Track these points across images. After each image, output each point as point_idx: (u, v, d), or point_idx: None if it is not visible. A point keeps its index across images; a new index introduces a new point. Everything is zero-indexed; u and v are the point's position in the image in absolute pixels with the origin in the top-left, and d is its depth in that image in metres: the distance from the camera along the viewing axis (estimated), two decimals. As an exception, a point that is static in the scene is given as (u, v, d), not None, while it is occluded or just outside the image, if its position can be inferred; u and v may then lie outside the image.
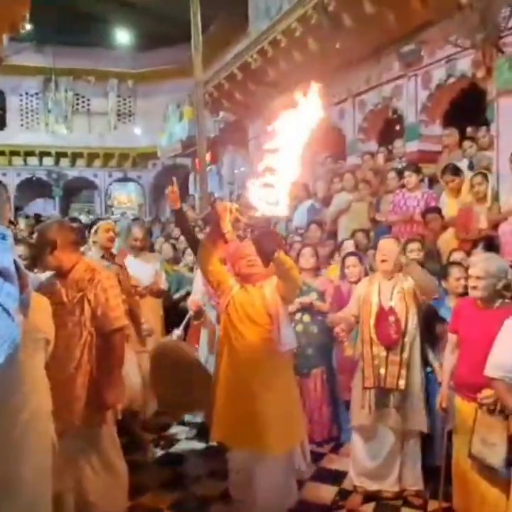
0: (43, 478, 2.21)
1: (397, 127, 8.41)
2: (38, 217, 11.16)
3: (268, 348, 2.94)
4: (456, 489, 3.10)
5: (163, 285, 4.85)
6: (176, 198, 3.91)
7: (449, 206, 5.27)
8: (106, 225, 4.06)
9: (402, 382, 3.31)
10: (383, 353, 3.37)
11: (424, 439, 3.47)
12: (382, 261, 3.50)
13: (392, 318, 3.36)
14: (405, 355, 3.34)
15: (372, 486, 3.49)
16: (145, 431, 4.36)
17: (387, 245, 3.55)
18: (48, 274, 3.20)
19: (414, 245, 4.47)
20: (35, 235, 3.14)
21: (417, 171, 5.63)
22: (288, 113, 2.48)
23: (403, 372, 3.32)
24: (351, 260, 4.27)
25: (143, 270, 4.58)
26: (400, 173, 5.88)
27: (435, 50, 7.15)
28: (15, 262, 1.03)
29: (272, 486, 2.97)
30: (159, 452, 4.25)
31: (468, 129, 6.66)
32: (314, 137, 2.55)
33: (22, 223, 9.04)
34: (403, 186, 5.62)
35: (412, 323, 3.38)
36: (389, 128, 8.78)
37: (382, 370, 3.36)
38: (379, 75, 8.26)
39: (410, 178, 5.51)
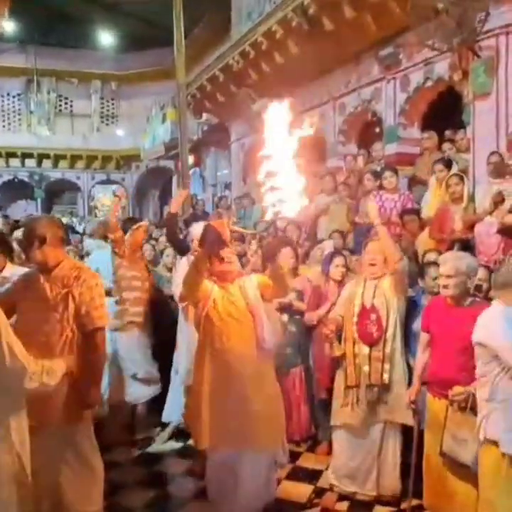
0: None
1: (377, 130, 8.49)
2: (16, 222, 11.10)
3: (253, 346, 2.97)
4: (427, 486, 3.12)
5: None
6: (178, 204, 4.22)
7: (431, 205, 5.33)
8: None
9: (386, 376, 3.34)
10: (366, 351, 3.39)
11: (408, 436, 3.40)
12: (370, 264, 3.51)
13: (373, 316, 3.39)
14: (387, 350, 3.36)
15: (350, 488, 3.49)
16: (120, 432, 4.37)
17: (374, 248, 3.53)
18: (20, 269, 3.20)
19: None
20: (23, 229, 3.10)
21: (395, 172, 5.70)
22: (274, 121, 2.56)
23: (386, 366, 3.34)
24: (340, 260, 4.23)
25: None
26: (376, 175, 5.93)
27: (413, 53, 7.23)
28: None
29: (255, 481, 2.99)
30: (136, 452, 4.24)
31: (447, 132, 6.75)
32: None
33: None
34: (380, 188, 5.67)
35: (393, 317, 3.40)
36: (368, 131, 8.86)
37: (366, 368, 3.37)
38: (358, 78, 8.33)
39: (391, 178, 5.57)
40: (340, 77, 8.68)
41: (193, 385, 3.15)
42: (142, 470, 3.96)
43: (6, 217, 10.47)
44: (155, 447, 4.32)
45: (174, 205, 4.46)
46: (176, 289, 4.12)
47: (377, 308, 3.41)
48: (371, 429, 3.43)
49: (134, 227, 4.44)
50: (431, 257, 4.11)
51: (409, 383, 3.37)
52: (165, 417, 4.44)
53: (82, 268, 3.00)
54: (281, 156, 2.62)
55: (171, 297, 4.62)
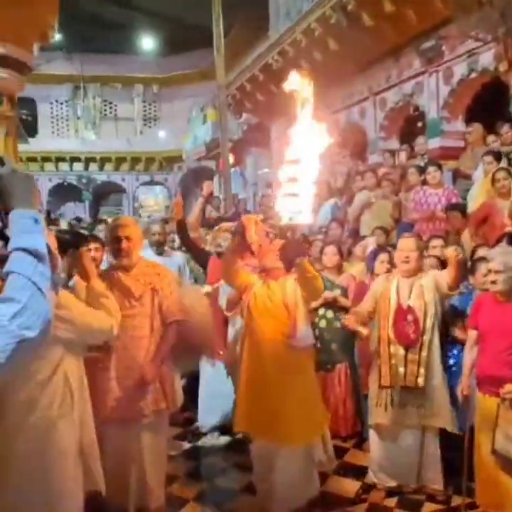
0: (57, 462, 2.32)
1: (419, 124, 8.38)
2: (78, 220, 11.88)
3: (286, 342, 3.03)
4: (479, 485, 3.09)
5: (187, 282, 4.91)
6: (179, 210, 4.18)
7: (477, 199, 5.24)
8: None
9: (420, 380, 3.28)
10: (402, 352, 3.34)
11: (447, 434, 3.42)
12: (404, 261, 3.45)
13: (410, 317, 3.33)
14: (424, 353, 3.31)
15: (391, 483, 3.49)
16: (171, 425, 4.51)
17: (409, 245, 3.49)
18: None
19: (438, 242, 4.47)
20: (110, 228, 3.30)
21: (439, 167, 5.63)
22: (302, 124, 2.58)
23: (422, 370, 3.29)
24: (384, 256, 4.21)
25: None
26: (420, 170, 5.87)
27: (456, 45, 7.10)
28: (46, 244, 1.13)
29: (290, 476, 3.05)
30: (186, 445, 4.38)
31: (498, 124, 6.58)
32: (335, 136, 2.62)
33: (63, 224, 9.55)
34: (424, 183, 5.61)
35: (431, 320, 3.34)
36: (410, 125, 8.75)
37: (401, 369, 3.33)
38: (399, 73, 8.24)
39: (435, 173, 5.50)
40: (381, 72, 8.61)
41: (238, 370, 3.26)
42: (193, 463, 4.10)
43: (79, 220, 11.17)
44: (205, 441, 4.44)
45: (176, 213, 4.55)
46: (223, 299, 4.22)
47: (414, 310, 3.35)
48: (407, 430, 3.40)
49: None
50: (482, 253, 4.04)
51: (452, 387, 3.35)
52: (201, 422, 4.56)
53: (158, 265, 3.24)
54: (307, 161, 2.57)
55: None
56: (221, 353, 4.31)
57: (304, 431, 3.06)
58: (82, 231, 6.95)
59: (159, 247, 4.79)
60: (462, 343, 3.55)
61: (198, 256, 4.69)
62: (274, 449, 3.06)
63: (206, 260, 4.57)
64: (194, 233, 4.50)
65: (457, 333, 3.60)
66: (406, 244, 3.50)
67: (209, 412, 4.45)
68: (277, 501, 3.09)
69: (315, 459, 3.26)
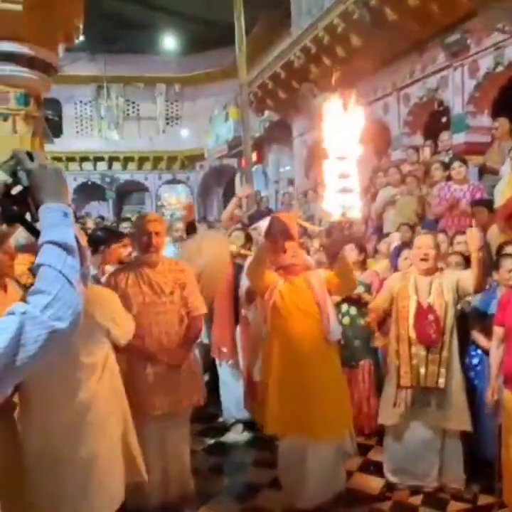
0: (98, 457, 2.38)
1: (444, 119, 8.26)
2: (102, 219, 12.20)
3: (319, 337, 3.03)
4: (507, 484, 3.04)
5: None
6: (191, 212, 4.53)
7: (505, 194, 5.15)
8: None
9: (441, 381, 3.25)
10: (423, 352, 3.29)
11: (471, 433, 3.37)
12: (422, 259, 3.38)
13: (431, 317, 3.28)
14: (445, 353, 3.26)
15: (411, 482, 3.46)
16: (194, 422, 4.56)
17: (427, 242, 3.41)
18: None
19: (462, 238, 4.42)
20: (137, 223, 3.40)
21: (464, 163, 5.55)
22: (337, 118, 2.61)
23: (443, 370, 3.25)
24: (408, 253, 4.11)
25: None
26: (445, 166, 5.80)
27: (482, 38, 6.99)
28: (76, 237, 1.15)
29: (320, 471, 3.07)
30: (209, 441, 4.41)
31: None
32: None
33: (90, 222, 9.77)
34: (448, 179, 5.54)
35: (451, 320, 3.30)
36: (435, 121, 8.63)
37: (422, 370, 3.28)
38: (423, 67, 8.14)
39: (460, 169, 5.43)
40: (404, 67, 8.51)
41: (262, 374, 3.26)
42: (217, 458, 4.13)
43: (102, 218, 11.42)
44: (229, 437, 4.47)
45: (187, 215, 4.61)
46: (242, 290, 4.24)
47: (434, 309, 3.29)
48: (426, 430, 3.37)
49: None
50: (509, 249, 3.97)
51: (474, 386, 3.34)
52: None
53: (179, 262, 3.31)
54: (352, 157, 2.65)
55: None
56: (224, 350, 4.33)
57: (338, 425, 3.08)
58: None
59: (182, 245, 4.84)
60: (479, 346, 3.51)
61: None
62: (306, 444, 3.07)
63: None
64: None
65: (475, 335, 3.54)
66: (424, 242, 3.42)
67: (232, 407, 4.48)
68: (304, 496, 3.10)
69: (344, 452, 3.26)
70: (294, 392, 3.02)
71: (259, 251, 3.12)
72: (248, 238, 4.61)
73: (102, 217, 13.02)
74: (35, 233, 1.20)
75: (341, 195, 2.60)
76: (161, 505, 3.10)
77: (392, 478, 3.52)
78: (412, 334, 3.32)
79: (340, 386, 3.17)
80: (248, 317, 4.28)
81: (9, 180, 1.20)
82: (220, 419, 4.64)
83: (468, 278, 3.29)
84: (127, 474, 2.52)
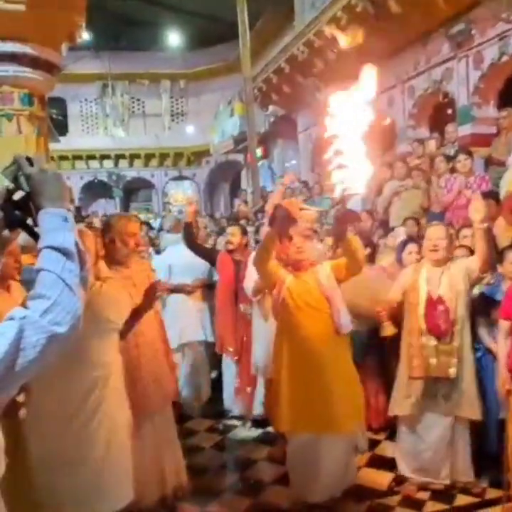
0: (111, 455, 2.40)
1: (449, 111, 8.20)
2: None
3: (330, 332, 3.03)
4: None
5: (217, 277, 4.97)
6: (192, 214, 4.46)
7: (510, 186, 5.12)
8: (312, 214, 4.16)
9: (452, 370, 3.24)
10: (433, 343, 3.29)
11: (478, 426, 3.38)
12: (432, 250, 3.37)
13: (441, 308, 3.27)
14: (456, 343, 3.26)
15: (422, 476, 3.45)
16: (203, 418, 4.60)
17: (437, 233, 3.40)
18: None
19: (468, 231, 4.39)
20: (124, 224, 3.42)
21: (470, 155, 5.51)
22: (340, 97, 2.59)
23: (454, 360, 3.24)
24: (412, 247, 4.14)
25: (194, 264, 4.73)
26: (448, 158, 5.76)
27: (486, 28, 6.92)
28: (75, 242, 1.16)
29: (332, 465, 3.07)
30: (218, 437, 4.43)
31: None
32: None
33: (96, 221, 9.84)
34: (452, 171, 5.51)
35: (462, 311, 3.29)
36: (440, 113, 8.57)
37: (433, 360, 3.28)
38: (428, 59, 8.08)
39: (465, 161, 5.39)
40: (409, 59, 8.46)
41: (272, 372, 3.26)
42: (225, 455, 4.16)
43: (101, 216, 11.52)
44: (237, 433, 4.49)
45: (189, 216, 4.58)
46: (249, 285, 4.24)
47: (444, 300, 3.29)
48: (438, 421, 3.36)
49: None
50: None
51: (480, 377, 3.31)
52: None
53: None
54: (349, 134, 2.62)
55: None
56: (231, 349, 4.34)
57: (351, 418, 3.08)
58: None
59: None
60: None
61: (206, 255, 4.69)
62: (316, 439, 3.07)
63: (214, 258, 4.58)
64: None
65: (481, 332, 3.51)
66: (434, 233, 3.41)
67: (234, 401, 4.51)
68: (315, 491, 3.11)
69: (356, 445, 3.27)
70: (306, 388, 3.02)
71: (264, 238, 3.11)
72: (244, 233, 4.62)
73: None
74: (37, 238, 1.20)
75: (338, 171, 2.60)
76: (159, 500, 3.14)
77: (405, 472, 3.52)
78: (423, 325, 3.32)
79: (352, 380, 3.17)
80: (247, 313, 4.28)
81: (11, 185, 1.21)
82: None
83: (474, 260, 3.29)
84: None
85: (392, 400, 3.55)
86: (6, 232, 1.24)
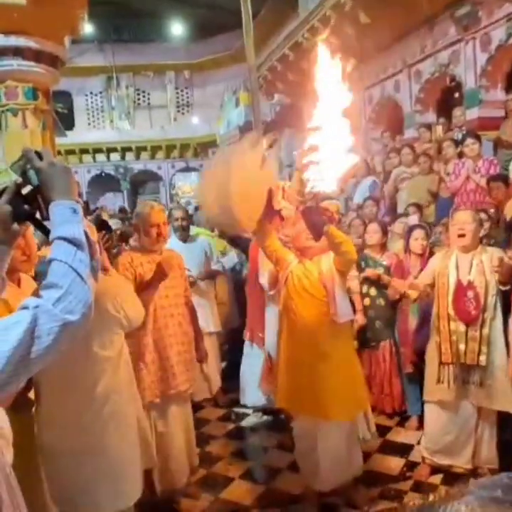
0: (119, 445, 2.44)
1: (456, 95, 8.11)
2: (121, 211, 12.44)
3: (325, 319, 3.03)
4: None
5: (216, 266, 4.90)
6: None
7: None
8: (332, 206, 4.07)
9: (482, 358, 3.20)
10: (462, 329, 3.26)
11: (504, 414, 3.32)
12: (459, 235, 3.30)
13: (470, 294, 3.23)
14: (485, 331, 3.21)
15: (444, 461, 3.44)
16: (215, 407, 4.63)
17: (464, 218, 3.32)
18: None
19: (480, 216, 4.37)
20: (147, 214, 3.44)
21: (478, 139, 5.45)
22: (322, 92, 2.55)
23: (484, 348, 3.20)
24: (418, 233, 4.14)
25: (192, 255, 4.72)
26: (456, 143, 5.71)
27: (493, 9, 6.82)
28: (85, 232, 1.19)
29: (333, 453, 3.07)
30: (230, 426, 4.46)
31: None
32: (368, 113, 2.62)
33: (105, 215, 9.90)
34: (460, 156, 5.46)
35: (492, 298, 3.23)
36: (447, 97, 8.48)
37: (462, 346, 3.25)
38: (434, 42, 7.98)
39: (473, 146, 5.34)
40: (415, 42, 8.36)
41: (276, 350, 3.31)
42: (237, 443, 4.18)
43: (123, 211, 11.57)
44: (249, 421, 4.52)
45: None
46: (263, 279, 4.22)
47: (474, 286, 3.24)
48: (467, 407, 3.34)
49: None
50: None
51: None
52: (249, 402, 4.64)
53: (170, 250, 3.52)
54: (329, 128, 2.55)
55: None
56: (261, 335, 4.34)
57: (346, 406, 3.07)
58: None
59: (183, 233, 4.74)
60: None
61: (238, 242, 4.72)
62: (316, 426, 3.08)
63: (247, 245, 4.58)
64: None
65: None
66: (461, 218, 3.34)
67: (252, 392, 4.51)
68: (321, 478, 3.12)
69: (358, 435, 3.26)
70: (301, 371, 3.04)
71: (260, 217, 2.97)
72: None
73: (124, 210, 13.07)
74: (45, 231, 1.24)
75: (311, 167, 2.56)
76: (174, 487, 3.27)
77: (426, 455, 3.52)
78: (451, 311, 3.30)
79: (351, 367, 3.16)
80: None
81: (19, 179, 1.24)
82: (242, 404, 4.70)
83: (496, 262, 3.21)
84: (142, 460, 2.57)
85: (425, 385, 3.52)
86: (14, 226, 1.27)
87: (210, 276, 4.86)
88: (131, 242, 5.29)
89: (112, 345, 2.41)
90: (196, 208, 7.16)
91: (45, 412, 2.30)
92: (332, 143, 2.54)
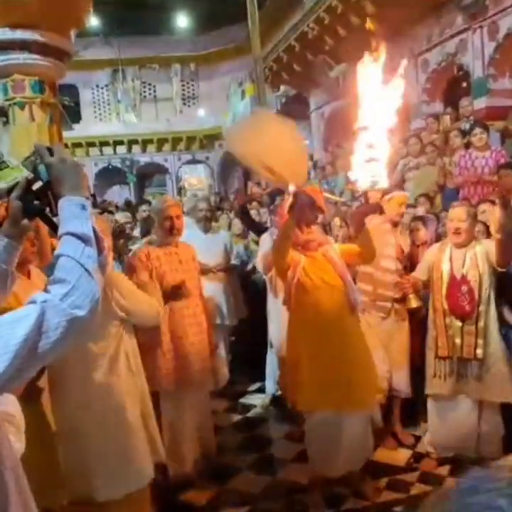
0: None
1: (464, 85, 8.04)
2: (127, 204, 12.55)
3: (345, 309, 3.05)
4: None
5: (234, 261, 4.99)
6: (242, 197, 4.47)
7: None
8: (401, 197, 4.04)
9: (479, 352, 3.21)
10: (458, 323, 3.26)
11: (508, 406, 3.33)
12: (455, 233, 3.31)
13: (464, 288, 3.23)
14: (481, 324, 3.22)
15: (448, 454, 3.46)
16: (222, 398, 4.66)
17: (459, 214, 3.31)
18: None
19: (485, 206, 4.34)
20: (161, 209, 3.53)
21: (486, 128, 5.40)
22: (369, 87, 2.58)
23: (480, 341, 3.21)
24: (415, 224, 4.15)
25: (212, 246, 4.76)
26: (463, 133, 5.65)
27: (501, -3, 6.75)
28: (93, 228, 1.20)
29: (351, 439, 3.08)
30: (237, 417, 4.49)
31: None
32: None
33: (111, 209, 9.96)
34: (467, 146, 5.41)
35: (487, 291, 3.23)
36: (455, 87, 8.41)
37: (458, 340, 3.26)
38: (441, 32, 7.90)
39: (481, 135, 5.29)
40: (421, 32, 8.28)
41: (288, 353, 3.29)
42: (244, 434, 4.20)
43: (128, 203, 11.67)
44: (255, 413, 4.55)
45: (240, 198, 4.71)
46: (260, 261, 4.26)
47: (468, 280, 3.24)
48: (466, 401, 3.35)
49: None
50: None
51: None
52: (267, 389, 4.70)
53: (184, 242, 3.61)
54: (378, 127, 2.62)
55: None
56: None
57: (370, 394, 3.11)
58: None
59: (206, 224, 4.83)
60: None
61: (255, 225, 4.86)
62: (338, 416, 3.08)
63: (261, 229, 4.74)
64: None
65: (506, 314, 3.46)
66: (456, 214, 3.33)
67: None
68: (333, 466, 3.14)
69: (374, 420, 3.29)
70: (326, 366, 3.02)
71: (285, 227, 3.01)
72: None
73: (129, 203, 13.15)
74: (54, 227, 1.25)
75: (368, 165, 2.59)
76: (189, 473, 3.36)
77: (431, 448, 3.54)
78: (445, 306, 3.30)
79: (368, 354, 3.18)
80: None
81: (31, 175, 1.24)
82: (248, 397, 4.74)
83: (494, 248, 3.23)
84: (151, 453, 2.61)
85: (426, 379, 3.53)
86: (25, 221, 1.28)
87: (228, 269, 4.89)
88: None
89: (106, 339, 2.44)
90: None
91: (54, 401, 2.37)
92: (383, 140, 2.61)
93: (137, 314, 2.56)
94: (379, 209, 3.54)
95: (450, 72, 8.31)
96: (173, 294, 3.19)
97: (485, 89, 7.26)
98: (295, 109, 13.43)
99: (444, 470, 3.43)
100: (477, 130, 5.36)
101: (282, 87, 13.35)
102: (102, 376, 2.40)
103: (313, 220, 3.06)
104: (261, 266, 4.16)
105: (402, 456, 3.64)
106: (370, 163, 2.60)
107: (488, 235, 3.63)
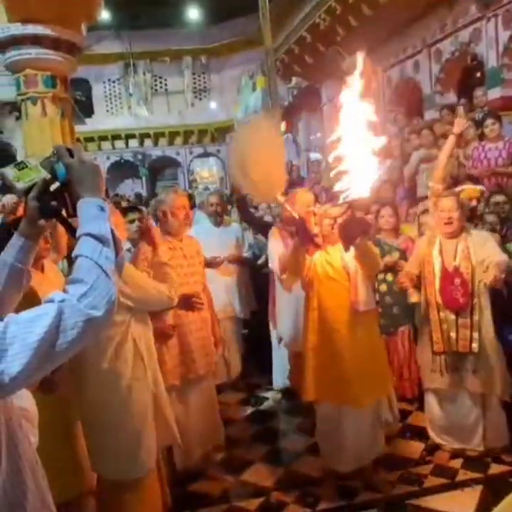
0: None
1: (478, 75, 7.93)
2: (139, 197, 12.64)
3: (348, 306, 3.04)
4: None
5: (246, 254, 4.98)
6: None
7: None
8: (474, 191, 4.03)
9: (475, 345, 3.19)
10: (452, 317, 3.24)
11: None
12: (446, 223, 3.27)
13: (457, 281, 3.19)
14: (476, 317, 3.19)
15: (455, 445, 3.45)
16: (235, 391, 4.69)
17: (450, 205, 3.28)
18: None
19: (500, 198, 4.31)
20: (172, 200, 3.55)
21: (498, 119, 5.33)
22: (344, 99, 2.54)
23: (475, 334, 3.18)
24: (425, 217, 4.11)
25: (224, 239, 4.76)
26: (476, 124, 5.58)
27: (516, -16, 6.63)
28: (111, 230, 1.21)
29: (357, 435, 3.10)
30: (250, 409, 4.52)
31: None
32: (388, 94, 2.59)
33: (123, 203, 9.97)
34: (481, 137, 5.34)
35: (480, 283, 3.19)
36: (469, 77, 8.30)
37: (453, 334, 3.23)
38: (455, 21, 7.78)
39: (493, 126, 5.23)
40: (435, 21, 8.17)
41: (302, 342, 3.30)
42: (256, 426, 4.22)
43: (139, 197, 11.71)
44: (268, 405, 4.56)
45: (236, 189, 4.67)
46: (273, 263, 4.23)
47: (461, 272, 3.20)
48: (465, 394, 3.33)
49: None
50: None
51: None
52: (275, 384, 4.71)
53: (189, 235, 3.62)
54: (352, 137, 2.53)
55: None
56: None
57: (373, 391, 3.09)
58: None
59: (217, 218, 4.85)
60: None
61: (259, 227, 4.81)
62: (341, 410, 3.10)
63: (259, 223, 4.69)
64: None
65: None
66: (447, 204, 3.30)
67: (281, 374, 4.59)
68: (343, 460, 3.16)
69: (381, 418, 3.28)
70: (328, 360, 3.05)
71: (293, 249, 3.08)
72: None
73: (140, 196, 13.23)
74: (70, 228, 1.27)
75: (340, 177, 2.56)
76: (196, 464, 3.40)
77: (437, 440, 3.52)
78: (439, 299, 3.27)
79: (376, 352, 3.17)
80: None
81: (48, 176, 1.26)
82: (261, 391, 4.74)
83: (495, 258, 3.15)
84: (161, 437, 2.65)
85: (422, 373, 3.56)
86: (41, 222, 1.31)
87: (240, 260, 4.89)
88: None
89: (117, 327, 2.47)
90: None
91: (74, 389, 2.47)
92: (354, 149, 2.53)
93: (143, 301, 2.58)
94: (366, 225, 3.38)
95: (464, 61, 8.20)
96: (184, 304, 3.17)
97: (499, 78, 7.16)
98: (307, 101, 13.37)
99: (457, 463, 3.42)
100: (489, 121, 5.30)
101: (294, 79, 13.27)
102: (108, 362, 2.45)
103: (316, 243, 3.04)
104: (276, 268, 4.12)
105: (415, 448, 3.64)
106: (341, 176, 2.55)
107: (501, 226, 3.59)
